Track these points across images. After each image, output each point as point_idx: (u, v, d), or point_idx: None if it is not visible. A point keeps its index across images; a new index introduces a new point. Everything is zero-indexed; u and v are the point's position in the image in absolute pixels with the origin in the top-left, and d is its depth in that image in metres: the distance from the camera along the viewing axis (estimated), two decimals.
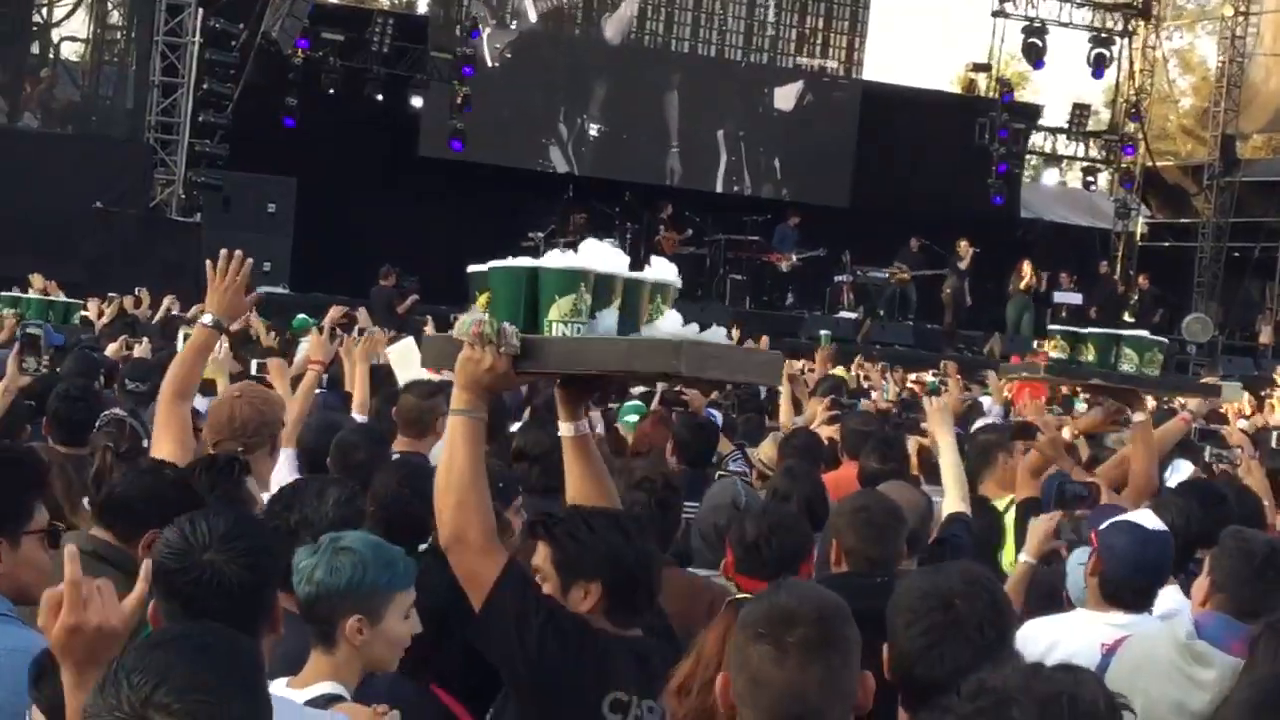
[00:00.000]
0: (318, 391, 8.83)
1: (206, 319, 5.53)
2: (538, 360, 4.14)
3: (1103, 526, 5.41)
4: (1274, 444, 12.32)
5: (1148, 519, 5.39)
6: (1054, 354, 7.88)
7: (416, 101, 28.92)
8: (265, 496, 5.12)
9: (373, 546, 4.02)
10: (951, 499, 6.88)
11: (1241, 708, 3.26)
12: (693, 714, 3.56)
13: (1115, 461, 8.05)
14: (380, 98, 28.25)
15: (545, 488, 6.47)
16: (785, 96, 32.48)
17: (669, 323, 4.28)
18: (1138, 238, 36.12)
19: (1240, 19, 35.34)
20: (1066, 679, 2.62)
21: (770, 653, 3.12)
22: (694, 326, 4.27)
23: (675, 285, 4.39)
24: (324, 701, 3.80)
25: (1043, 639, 5.16)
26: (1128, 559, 5.26)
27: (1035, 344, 23.71)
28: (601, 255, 4.24)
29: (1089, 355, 7.67)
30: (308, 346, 9.63)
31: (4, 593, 3.86)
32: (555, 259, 4.22)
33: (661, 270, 4.39)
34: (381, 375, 9.47)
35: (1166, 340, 8.72)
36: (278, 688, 3.84)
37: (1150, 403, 8.36)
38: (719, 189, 31.72)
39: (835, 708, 3.16)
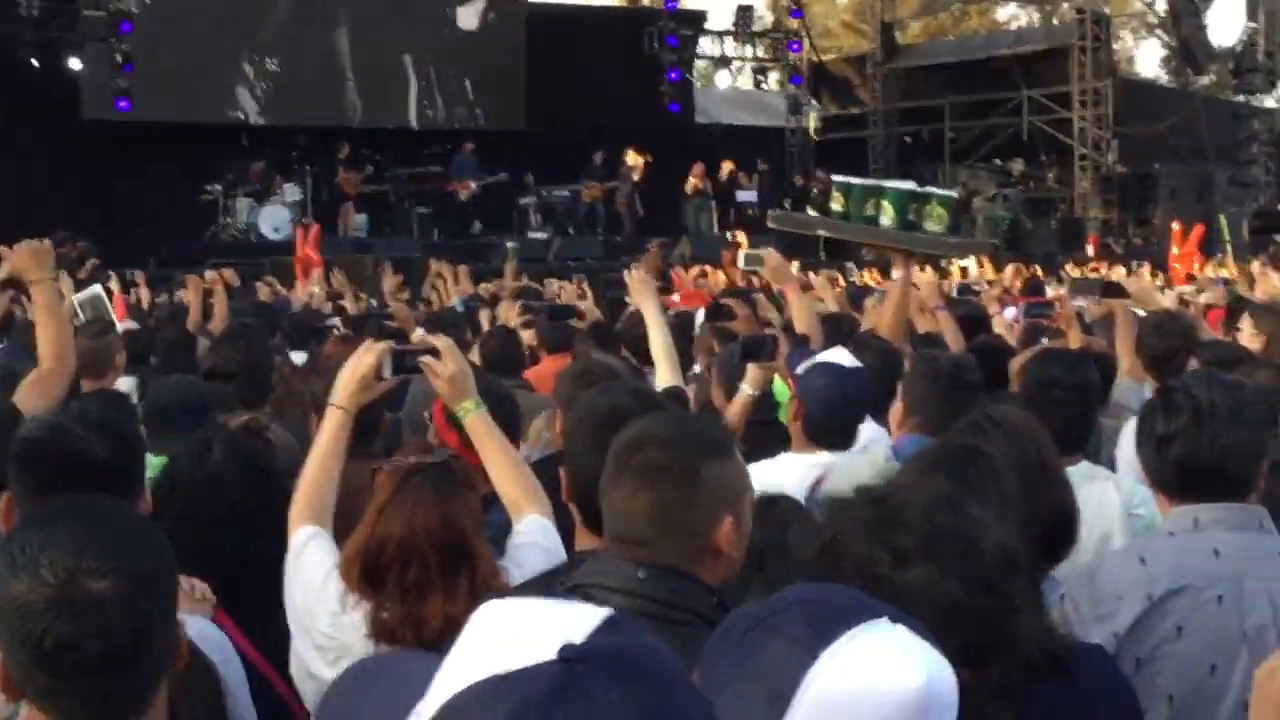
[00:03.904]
0: None
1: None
2: None
3: (800, 370, 5.49)
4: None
5: (843, 357, 5.48)
6: (835, 207, 7.91)
7: (74, 64, 27.82)
8: None
9: None
10: (663, 373, 6.67)
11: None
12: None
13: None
14: (35, 63, 27.13)
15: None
16: (467, 17, 32.24)
17: None
18: (812, 132, 36.81)
19: None
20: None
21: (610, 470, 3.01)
22: None
23: None
24: None
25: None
26: (828, 399, 5.34)
27: (729, 236, 24.40)
28: None
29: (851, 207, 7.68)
30: None
31: None
32: None
33: None
34: None
35: (953, 195, 8.69)
36: None
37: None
38: (411, 119, 31.38)
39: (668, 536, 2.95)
